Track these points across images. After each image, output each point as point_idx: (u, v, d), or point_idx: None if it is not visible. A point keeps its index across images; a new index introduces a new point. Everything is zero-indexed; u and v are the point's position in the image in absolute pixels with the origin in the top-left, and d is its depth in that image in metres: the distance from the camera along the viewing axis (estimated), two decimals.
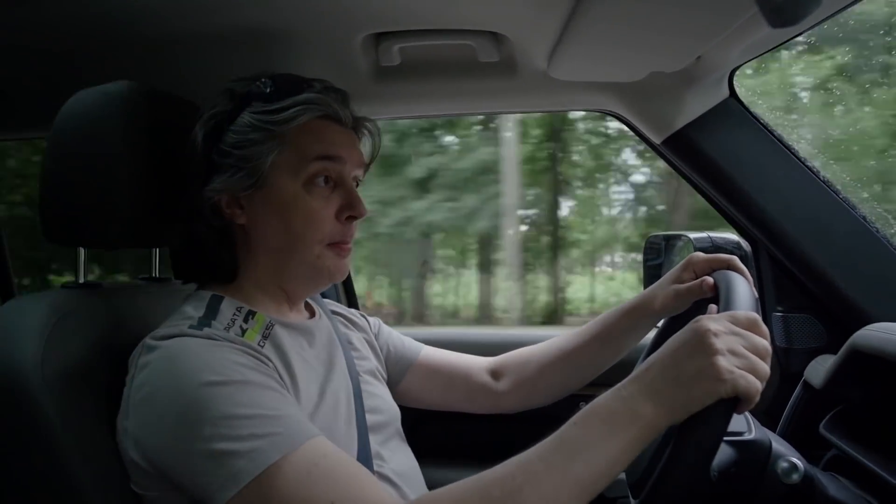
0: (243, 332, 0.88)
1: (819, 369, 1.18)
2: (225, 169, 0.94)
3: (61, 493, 0.81)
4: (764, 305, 1.39)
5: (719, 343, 0.71)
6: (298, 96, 0.94)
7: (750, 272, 0.99)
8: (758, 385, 0.70)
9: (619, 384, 0.75)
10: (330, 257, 0.96)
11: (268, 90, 0.95)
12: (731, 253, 1.08)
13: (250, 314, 0.92)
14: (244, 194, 0.94)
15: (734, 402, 0.69)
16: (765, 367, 0.72)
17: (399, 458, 1.03)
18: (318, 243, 0.95)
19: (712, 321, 0.74)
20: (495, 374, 1.23)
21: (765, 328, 0.76)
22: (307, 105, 0.93)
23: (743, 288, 0.87)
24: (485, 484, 0.72)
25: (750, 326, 0.75)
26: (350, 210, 0.96)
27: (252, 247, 0.97)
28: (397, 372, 1.21)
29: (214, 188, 0.93)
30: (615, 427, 0.71)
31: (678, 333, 0.75)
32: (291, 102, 0.93)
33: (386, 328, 1.26)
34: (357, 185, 1.01)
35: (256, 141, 0.92)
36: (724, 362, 0.70)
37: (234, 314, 0.91)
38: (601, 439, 0.71)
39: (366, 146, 1.05)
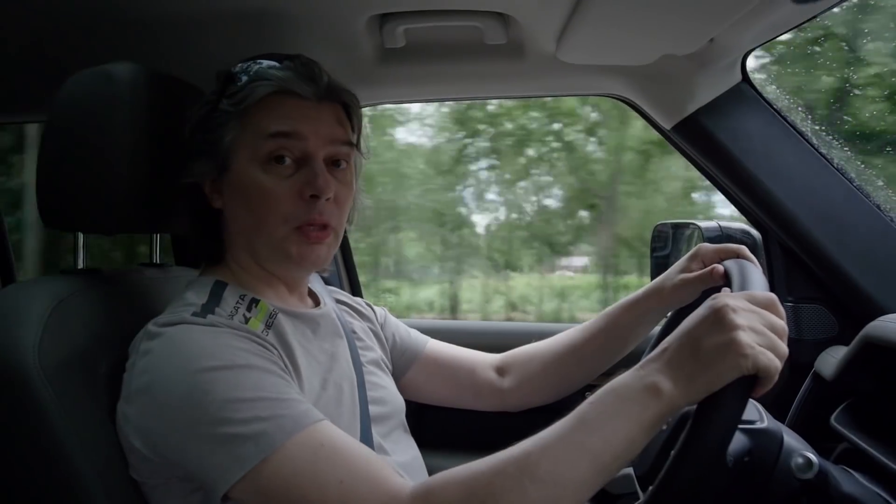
0: (246, 320, 0.87)
1: (830, 361, 1.17)
2: (196, 154, 0.94)
3: (59, 479, 0.81)
4: (774, 295, 1.38)
5: (739, 319, 0.70)
6: (253, 71, 0.92)
7: (760, 261, 0.98)
8: (777, 363, 0.69)
9: (637, 365, 0.74)
10: (295, 241, 0.91)
11: (235, 73, 0.93)
12: (742, 242, 1.06)
13: (254, 302, 0.91)
14: (220, 179, 0.94)
15: (753, 380, 0.68)
16: (783, 347, 0.71)
17: (402, 449, 1.03)
18: (282, 224, 0.91)
19: (730, 298, 0.73)
20: (500, 370, 1.22)
21: (782, 309, 0.74)
22: (260, 81, 0.90)
23: (756, 272, 0.86)
24: (499, 462, 0.71)
25: (768, 305, 0.73)
26: (310, 188, 0.90)
27: (229, 231, 0.97)
28: (402, 364, 1.20)
29: (189, 174, 0.94)
30: (633, 404, 0.70)
31: (696, 311, 0.74)
32: (246, 80, 0.91)
33: (392, 319, 1.25)
34: (339, 165, 0.95)
35: (219, 123, 0.92)
36: (745, 337, 0.68)
37: (238, 302, 0.90)
38: (619, 416, 0.70)
39: (354, 122, 1.00)
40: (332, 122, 0.95)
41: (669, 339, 0.74)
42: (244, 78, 0.92)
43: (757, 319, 0.71)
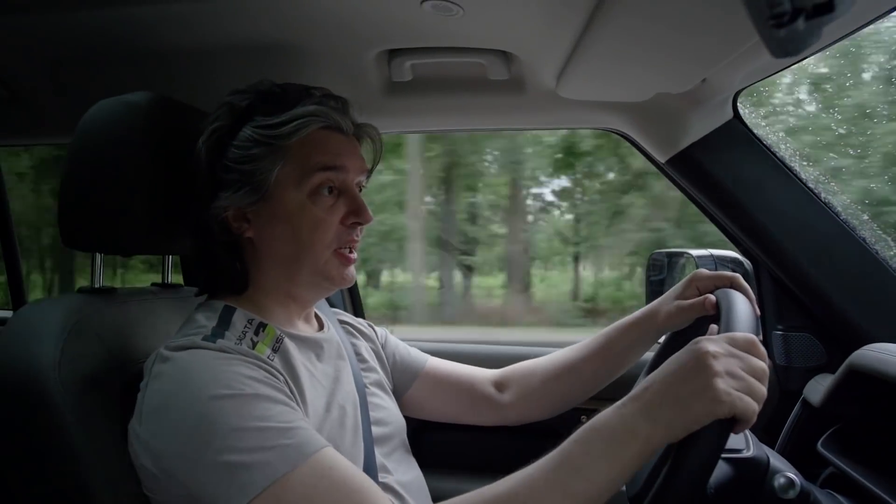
0: (254, 344, 0.90)
1: (818, 388, 1.20)
2: (229, 184, 0.94)
3: (72, 490, 0.83)
4: (764, 324, 1.41)
5: (718, 365, 0.73)
6: (298, 109, 0.94)
7: (751, 291, 1.01)
8: (755, 406, 0.71)
9: (619, 402, 0.77)
10: (335, 265, 0.98)
11: (266, 104, 0.96)
12: (733, 271, 1.09)
13: (261, 326, 0.93)
14: (250, 208, 0.95)
15: (731, 422, 0.71)
16: (762, 389, 0.73)
17: (404, 469, 1.05)
18: (326, 249, 0.96)
19: (711, 343, 0.75)
20: (499, 385, 1.24)
21: (762, 350, 0.77)
22: (308, 118, 0.94)
23: (744, 308, 0.88)
24: (488, 499, 0.74)
25: (748, 348, 0.76)
26: (355, 217, 0.98)
27: (260, 258, 0.98)
28: (403, 382, 1.23)
29: (221, 205, 0.94)
30: (615, 445, 0.73)
31: (677, 354, 0.77)
32: (292, 116, 0.94)
33: (393, 338, 1.27)
34: (360, 191, 1.02)
35: (259, 156, 0.93)
36: (722, 384, 0.71)
37: (246, 326, 0.92)
38: (601, 457, 0.73)
39: (367, 151, 1.06)
40: (360, 155, 1.02)
41: (652, 378, 0.77)
42: (284, 112, 0.94)
43: (736, 364, 0.74)
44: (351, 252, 0.99)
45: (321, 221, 0.95)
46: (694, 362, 0.74)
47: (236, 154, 0.94)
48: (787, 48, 0.55)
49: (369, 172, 1.05)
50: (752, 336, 0.78)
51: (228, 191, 0.94)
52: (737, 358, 0.75)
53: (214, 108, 0.99)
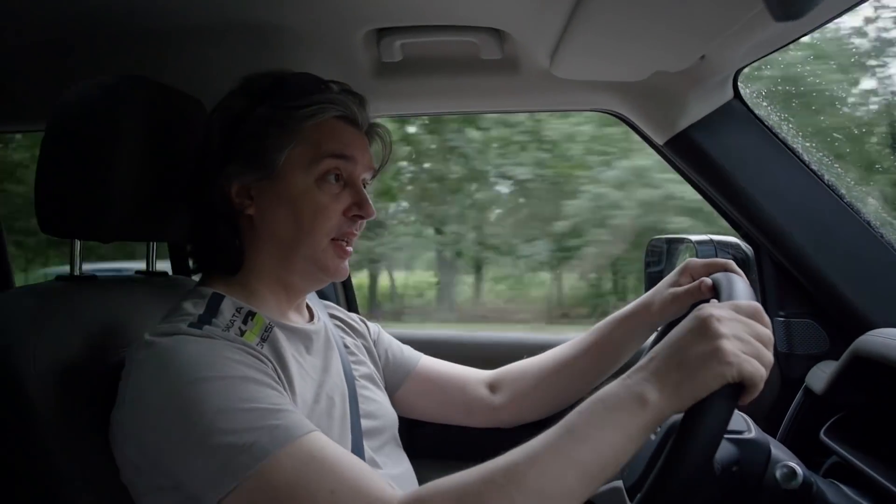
0: (242, 333, 0.88)
1: (820, 375, 1.18)
2: (239, 159, 0.94)
3: (50, 484, 0.81)
4: (766, 310, 1.38)
5: (724, 328, 0.71)
6: (317, 95, 0.96)
7: (752, 276, 0.99)
8: (762, 371, 0.70)
9: (624, 374, 0.75)
10: (331, 255, 0.97)
11: (287, 87, 0.97)
12: (734, 256, 1.07)
13: (250, 315, 0.91)
14: (255, 185, 0.95)
15: (739, 388, 0.69)
16: (768, 354, 0.72)
17: (394, 463, 1.03)
18: (325, 237, 0.96)
19: (715, 308, 0.74)
20: (492, 387, 1.23)
21: (767, 318, 0.76)
22: (328, 104, 0.96)
23: (742, 284, 0.87)
24: (488, 471, 0.72)
25: (752, 314, 0.75)
26: (358, 209, 0.98)
27: (258, 238, 0.97)
28: (395, 380, 1.21)
29: (228, 175, 0.94)
30: (621, 413, 0.71)
31: (682, 322, 0.75)
32: (312, 100, 0.95)
33: (386, 336, 1.25)
34: (364, 188, 1.02)
35: (273, 134, 0.94)
36: (730, 346, 0.70)
37: (234, 315, 0.90)
38: (606, 425, 0.71)
39: (376, 150, 1.06)
40: (369, 151, 1.03)
41: (656, 349, 0.75)
42: (305, 97, 0.95)
43: (742, 328, 0.72)
44: (348, 245, 0.99)
45: (324, 208, 0.95)
46: (699, 327, 0.72)
47: (250, 130, 0.94)
48: (790, 9, 0.52)
49: (375, 172, 1.05)
50: (756, 303, 0.77)
51: (237, 165, 0.94)
52: (742, 323, 0.73)
53: (203, 91, 1.00)
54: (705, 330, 0.71)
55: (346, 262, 1.00)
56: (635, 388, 0.72)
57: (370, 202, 0.99)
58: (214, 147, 0.96)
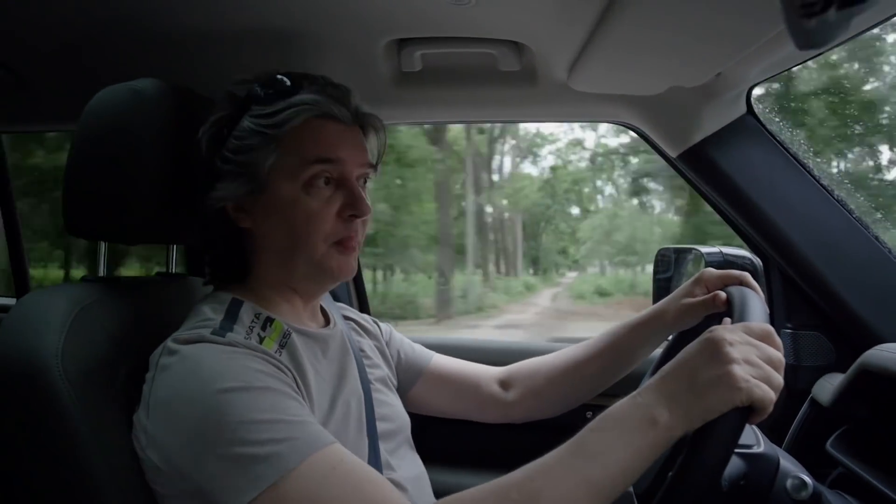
0: (261, 339, 0.88)
1: (827, 387, 1.19)
2: (226, 175, 0.93)
3: (76, 482, 0.82)
4: (773, 322, 1.40)
5: (735, 352, 0.72)
6: (293, 97, 0.92)
7: (760, 288, 1.00)
8: (772, 395, 0.71)
9: (634, 392, 0.76)
10: (334, 256, 0.96)
11: (263, 93, 0.94)
12: (743, 268, 1.08)
13: (268, 321, 0.92)
14: (248, 199, 0.94)
15: (748, 411, 0.70)
16: (779, 378, 0.73)
17: (408, 465, 1.04)
18: (323, 242, 0.94)
19: (727, 331, 0.75)
20: (504, 384, 1.24)
21: (779, 340, 0.77)
22: (301, 106, 0.92)
23: (756, 302, 0.88)
24: (503, 487, 0.73)
25: (764, 337, 0.76)
26: (351, 209, 0.95)
27: (259, 250, 0.98)
28: (408, 379, 1.22)
29: (218, 195, 0.94)
30: (632, 432, 0.73)
31: (693, 343, 0.76)
32: (286, 105, 0.92)
33: (397, 335, 1.26)
34: (364, 183, 1.00)
35: (255, 146, 0.92)
36: (740, 371, 0.71)
37: (253, 321, 0.91)
38: (618, 444, 0.72)
39: (372, 143, 1.03)
40: (361, 145, 0.99)
41: (667, 368, 0.76)
42: (273, 97, 0.93)
43: (753, 352, 0.73)
44: (350, 243, 0.97)
45: (316, 214, 0.93)
46: (710, 350, 0.73)
47: (235, 144, 0.93)
48: (814, 40, 0.54)
49: (375, 165, 1.02)
50: (768, 326, 0.78)
51: (225, 182, 0.93)
52: (753, 346, 0.74)
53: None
54: (717, 353, 0.73)
55: (352, 260, 0.98)
56: (646, 407, 0.73)
57: (363, 199, 0.95)
58: (203, 165, 0.95)
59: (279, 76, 0.96)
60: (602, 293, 13.37)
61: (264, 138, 0.92)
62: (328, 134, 0.94)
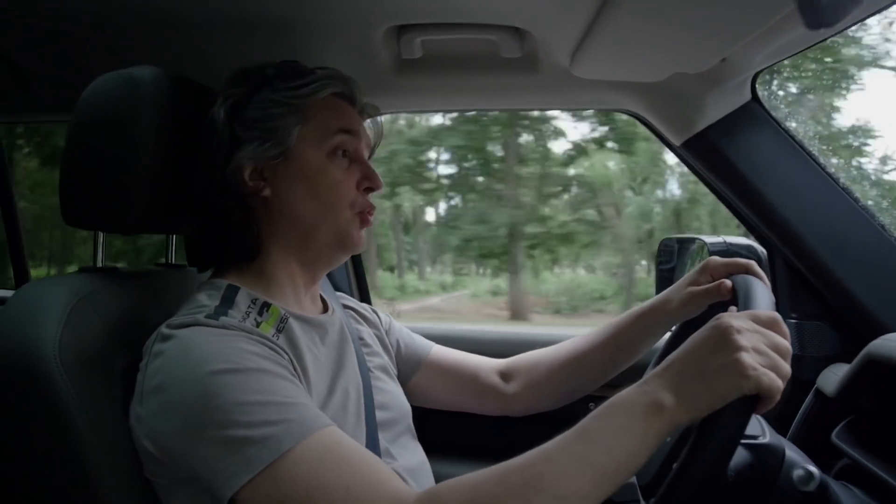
0: (258, 324, 0.88)
1: (832, 377, 1.18)
2: (250, 141, 0.96)
3: (74, 474, 0.82)
4: (779, 311, 1.38)
5: (742, 340, 0.71)
6: (316, 75, 1.00)
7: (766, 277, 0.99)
8: (780, 383, 0.70)
9: (641, 380, 0.75)
10: (356, 226, 1.00)
11: (281, 72, 1.00)
12: (747, 257, 1.07)
13: (265, 306, 0.92)
14: (269, 165, 0.96)
15: (755, 399, 0.70)
16: (786, 366, 0.72)
17: (409, 454, 1.03)
18: (348, 209, 0.99)
19: (735, 318, 0.74)
20: (505, 375, 1.23)
21: (786, 328, 0.76)
22: (328, 80, 1.00)
23: (762, 290, 0.87)
24: (504, 472, 0.72)
25: (771, 325, 0.75)
26: (368, 181, 1.01)
27: (275, 219, 0.98)
28: (407, 369, 1.21)
29: (242, 157, 0.95)
30: (637, 419, 0.72)
31: (700, 331, 0.76)
32: (312, 78, 0.99)
33: (397, 325, 1.26)
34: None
35: (280, 114, 0.96)
36: (748, 358, 0.70)
37: (250, 306, 0.91)
38: (622, 430, 0.72)
39: (371, 134, 1.09)
40: (366, 130, 1.06)
41: (674, 356, 0.75)
42: (295, 78, 0.98)
43: (760, 340, 0.73)
44: (370, 215, 1.02)
45: (340, 182, 0.98)
46: (718, 337, 0.73)
47: (256, 113, 0.97)
48: (825, 18, 0.53)
49: (371, 152, 1.08)
50: (776, 313, 0.77)
51: (249, 146, 0.96)
52: (760, 334, 0.73)
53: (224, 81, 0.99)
54: (724, 341, 0.72)
55: (365, 233, 1.03)
56: (652, 394, 0.73)
57: (377, 174, 1.02)
58: (222, 135, 0.95)
59: (292, 62, 1.03)
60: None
61: (290, 108, 0.97)
62: (346, 110, 1.03)
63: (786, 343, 0.74)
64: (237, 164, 0.95)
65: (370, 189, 1.01)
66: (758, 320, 0.75)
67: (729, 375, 0.70)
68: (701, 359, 0.73)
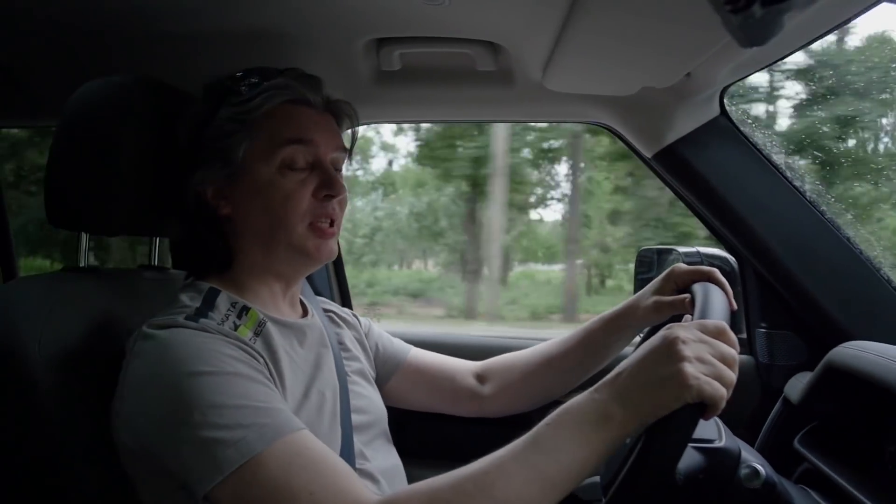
0: (236, 327, 0.90)
1: (798, 385, 1.20)
2: (204, 162, 0.96)
3: (53, 469, 0.84)
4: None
5: (687, 350, 0.73)
6: (267, 83, 0.97)
7: (736, 288, 1.01)
8: (723, 391, 0.72)
9: (593, 387, 0.77)
10: (311, 238, 0.97)
11: (238, 85, 0.98)
12: (720, 268, 1.09)
13: (244, 310, 0.94)
14: (226, 185, 0.97)
15: (700, 407, 0.71)
16: (731, 374, 0.74)
17: (383, 457, 1.05)
18: (300, 223, 0.96)
19: (682, 329, 0.76)
20: (480, 378, 1.25)
21: (733, 337, 0.78)
22: (273, 91, 0.96)
23: (717, 298, 0.89)
24: (459, 479, 0.74)
25: (717, 335, 0.77)
26: (326, 189, 0.97)
27: (239, 234, 0.99)
28: (385, 372, 1.23)
29: (196, 181, 0.96)
30: (586, 428, 0.74)
31: (650, 340, 0.78)
32: (258, 91, 0.96)
33: (376, 328, 1.27)
34: (338, 170, 1.02)
35: (230, 132, 0.95)
36: (691, 369, 0.72)
37: (229, 309, 0.93)
38: (572, 440, 0.74)
39: (346, 130, 1.07)
40: (334, 130, 1.03)
41: (624, 365, 0.77)
42: (247, 89, 0.96)
43: (705, 350, 0.74)
44: (331, 226, 0.99)
45: (291, 194, 0.95)
46: (664, 348, 0.75)
47: (212, 133, 0.96)
48: (752, 37, 0.56)
49: (349, 151, 1.05)
50: (722, 323, 0.79)
51: (203, 168, 0.96)
52: (706, 344, 0.75)
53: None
54: (669, 352, 0.74)
55: (332, 243, 1.00)
56: (601, 403, 0.75)
57: (338, 180, 0.98)
58: (182, 153, 0.98)
59: (254, 71, 1.00)
60: None
61: (239, 124, 0.95)
62: (300, 117, 0.98)
63: (731, 352, 0.76)
64: (198, 184, 0.96)
65: (330, 196, 0.98)
66: (705, 330, 0.77)
67: (672, 385, 0.71)
68: (648, 368, 0.74)
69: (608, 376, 0.78)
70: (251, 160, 0.96)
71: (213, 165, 0.96)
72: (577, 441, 0.73)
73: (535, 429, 0.76)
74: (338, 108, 1.05)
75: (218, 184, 0.97)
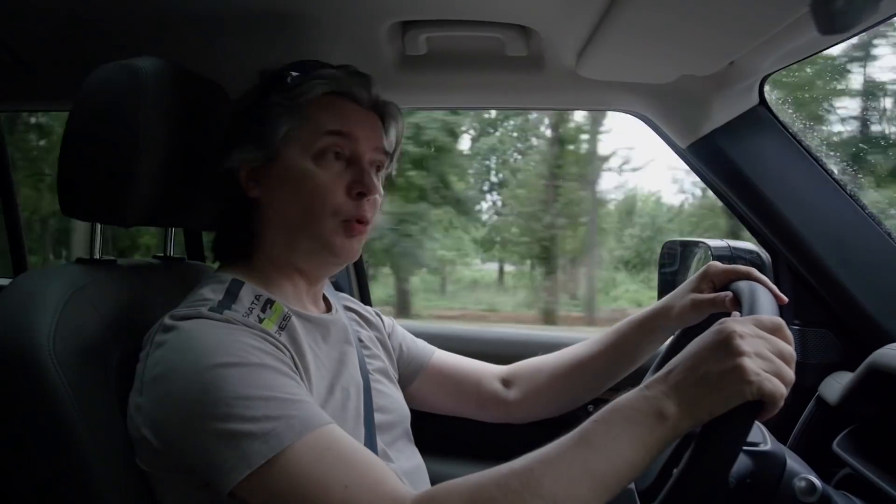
0: (260, 320, 0.88)
1: (834, 385, 1.17)
2: (241, 142, 0.96)
3: (66, 464, 0.82)
4: (782, 317, 1.37)
5: (745, 345, 0.70)
6: (318, 72, 0.97)
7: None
8: (783, 389, 0.69)
9: (642, 384, 0.75)
10: (339, 234, 0.95)
11: (290, 73, 0.97)
12: (751, 262, 1.06)
13: (269, 303, 0.91)
14: (260, 168, 0.96)
15: (758, 405, 0.68)
16: (790, 372, 0.71)
17: (406, 457, 1.03)
18: (330, 217, 0.94)
19: (738, 324, 0.73)
20: (506, 382, 1.22)
21: (789, 333, 0.75)
22: (322, 80, 0.96)
23: (766, 295, 0.86)
24: (503, 475, 0.71)
25: (775, 331, 0.74)
26: (360, 186, 0.95)
27: (266, 221, 0.98)
28: (408, 374, 1.21)
29: (232, 160, 0.95)
30: (638, 425, 0.71)
31: (703, 335, 0.75)
32: (310, 76, 0.96)
33: (400, 329, 1.25)
34: (378, 171, 1.01)
35: (273, 115, 0.95)
36: (751, 364, 0.69)
37: (253, 302, 0.90)
38: (623, 436, 0.71)
39: (390, 133, 1.04)
40: (377, 130, 1.01)
41: (675, 361, 0.74)
42: (297, 76, 0.96)
43: (764, 345, 0.72)
44: (360, 223, 0.96)
45: (324, 187, 0.94)
46: (720, 342, 0.71)
47: (257, 115, 0.96)
48: (839, 23, 0.52)
49: (392, 155, 1.04)
50: (780, 319, 0.76)
51: (239, 148, 0.95)
52: (764, 339, 0.72)
53: (228, 77, 1.02)
54: (727, 346, 0.71)
55: (357, 243, 0.98)
56: (654, 401, 0.72)
57: (373, 178, 0.96)
58: (227, 134, 0.98)
59: (307, 61, 1.01)
60: None
61: (282, 108, 0.95)
62: (344, 110, 0.97)
63: (790, 349, 0.73)
64: (233, 164, 0.95)
65: (363, 194, 0.96)
66: (761, 325, 0.74)
67: (731, 381, 0.69)
68: (703, 364, 0.71)
69: (659, 373, 0.74)
70: (289, 145, 0.95)
71: (250, 146, 0.95)
72: (629, 439, 0.70)
73: (582, 425, 0.73)
74: (385, 109, 1.03)
75: (252, 164, 0.96)
